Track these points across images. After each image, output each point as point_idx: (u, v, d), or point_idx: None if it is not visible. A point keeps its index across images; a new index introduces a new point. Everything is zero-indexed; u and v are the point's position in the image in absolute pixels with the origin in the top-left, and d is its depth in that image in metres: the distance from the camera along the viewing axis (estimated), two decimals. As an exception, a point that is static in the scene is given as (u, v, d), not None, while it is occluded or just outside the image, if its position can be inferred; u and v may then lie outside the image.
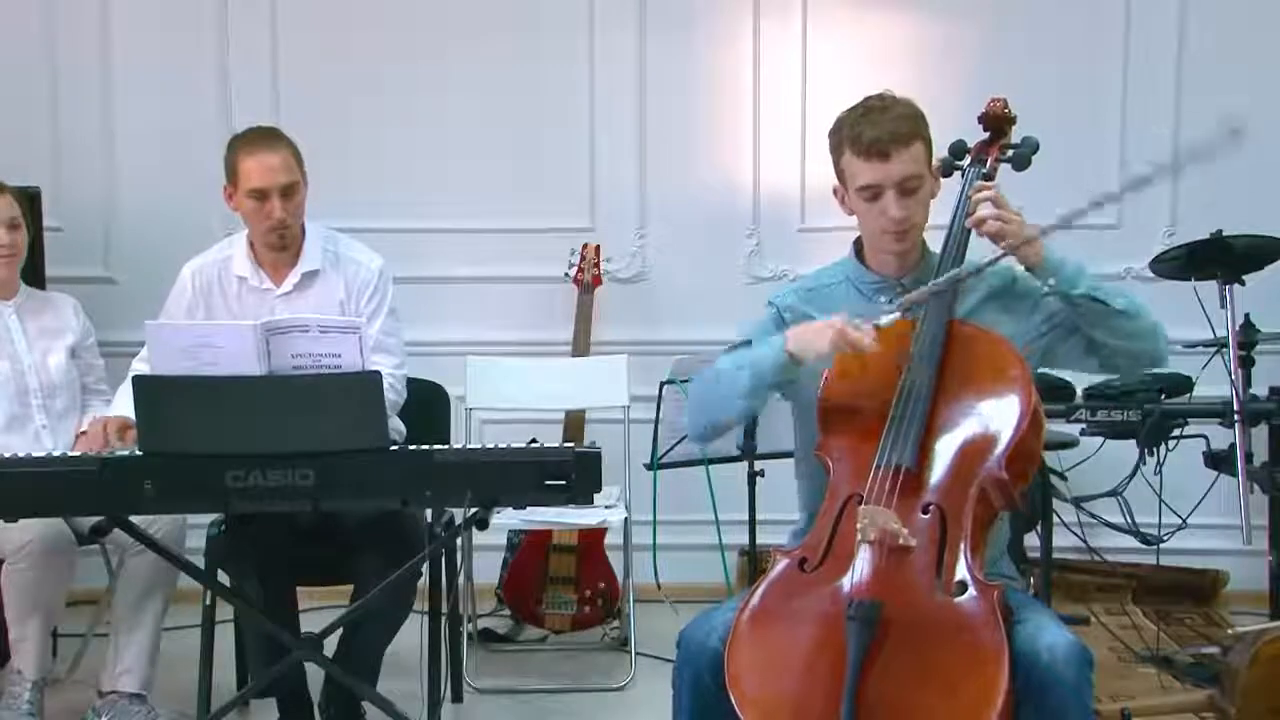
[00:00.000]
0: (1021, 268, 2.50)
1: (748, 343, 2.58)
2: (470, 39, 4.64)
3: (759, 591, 2.36)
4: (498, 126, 4.66)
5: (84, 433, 3.54)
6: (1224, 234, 3.93)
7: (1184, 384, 3.96)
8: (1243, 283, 3.94)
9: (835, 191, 2.57)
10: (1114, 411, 3.80)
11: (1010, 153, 2.62)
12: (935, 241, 2.59)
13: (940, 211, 2.58)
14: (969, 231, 2.51)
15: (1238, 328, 3.91)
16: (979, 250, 2.51)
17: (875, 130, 2.44)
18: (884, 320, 2.36)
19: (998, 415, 2.36)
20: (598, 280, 4.48)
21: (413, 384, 3.49)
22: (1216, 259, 3.93)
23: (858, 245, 2.63)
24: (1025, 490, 2.43)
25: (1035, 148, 2.60)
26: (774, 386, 2.49)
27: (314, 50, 4.65)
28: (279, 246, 3.37)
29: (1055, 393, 3.74)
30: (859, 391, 2.42)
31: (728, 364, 2.52)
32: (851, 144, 2.47)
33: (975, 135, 2.69)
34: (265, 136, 3.35)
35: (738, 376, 2.47)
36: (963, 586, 2.25)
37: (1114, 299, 2.45)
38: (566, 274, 4.48)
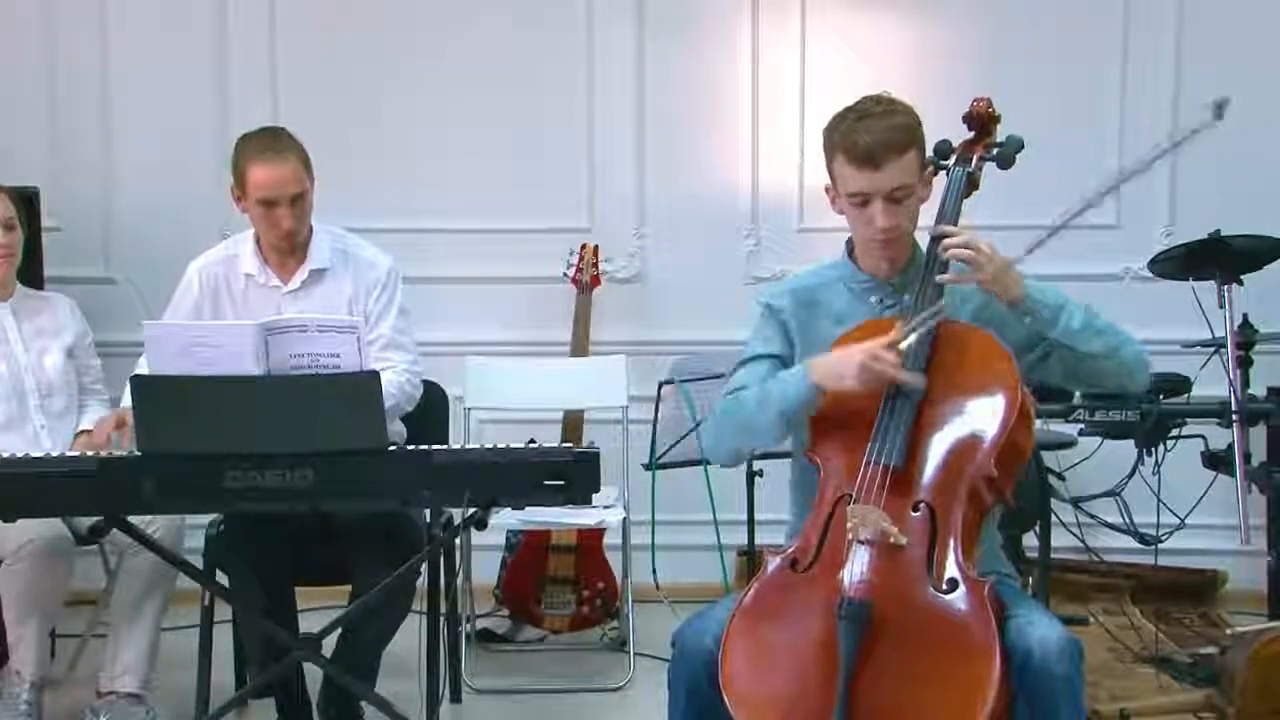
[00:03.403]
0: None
1: (757, 357, 2.58)
2: (469, 39, 4.64)
3: (751, 592, 2.37)
4: (496, 126, 4.66)
5: (83, 432, 3.55)
6: (1222, 234, 3.94)
7: (1182, 384, 3.97)
8: (1241, 283, 3.94)
9: (827, 190, 2.57)
10: (1112, 411, 3.81)
11: (995, 151, 2.62)
12: (924, 240, 2.59)
13: (928, 211, 2.58)
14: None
15: (1236, 328, 3.92)
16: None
17: (868, 138, 2.43)
18: (904, 344, 2.36)
19: (985, 412, 2.37)
20: (596, 280, 4.48)
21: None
22: (1215, 259, 3.93)
23: (850, 245, 2.63)
24: (1015, 486, 2.44)
25: (1019, 146, 2.61)
26: (805, 415, 2.47)
27: (312, 50, 4.65)
28: (287, 250, 3.37)
29: (1054, 393, 3.74)
30: (848, 392, 2.41)
31: (752, 398, 2.49)
32: (844, 149, 2.46)
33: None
34: (273, 143, 3.30)
35: (765, 410, 2.46)
36: (954, 584, 2.26)
37: (1089, 343, 2.43)
38: (565, 274, 4.47)
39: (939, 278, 2.45)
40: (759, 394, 2.48)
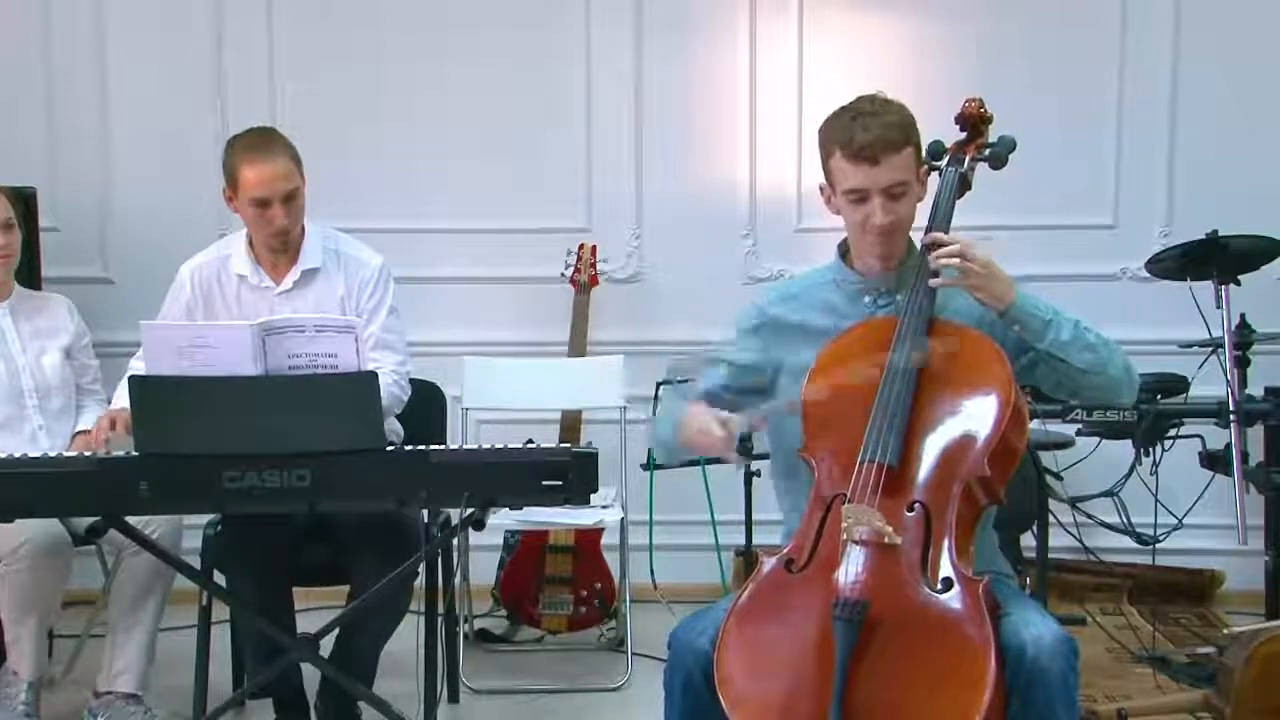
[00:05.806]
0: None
1: (721, 360, 2.63)
2: (468, 39, 4.64)
3: (747, 593, 2.37)
4: (495, 126, 4.66)
5: (81, 432, 3.55)
6: (1219, 234, 3.94)
7: (1180, 384, 3.98)
8: (1238, 283, 3.95)
9: (821, 190, 2.58)
10: (1110, 411, 3.80)
11: (987, 151, 2.63)
12: (918, 239, 2.59)
13: (922, 212, 2.58)
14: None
15: (1233, 328, 3.92)
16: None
17: (866, 135, 2.44)
18: (739, 425, 2.38)
19: (979, 411, 2.37)
20: (594, 280, 4.47)
21: (410, 384, 3.49)
22: (1212, 259, 3.93)
23: (843, 247, 2.64)
24: (1008, 485, 2.44)
25: (1011, 146, 2.62)
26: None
27: (310, 50, 4.65)
28: (280, 249, 3.37)
29: (1052, 392, 3.74)
30: (842, 392, 2.42)
31: (666, 418, 2.60)
32: (841, 147, 2.48)
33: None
34: (264, 143, 3.31)
35: (667, 433, 2.56)
36: (948, 583, 2.26)
37: (1077, 356, 2.43)
38: (563, 274, 4.47)
39: (931, 281, 2.46)
40: (671, 420, 2.55)
